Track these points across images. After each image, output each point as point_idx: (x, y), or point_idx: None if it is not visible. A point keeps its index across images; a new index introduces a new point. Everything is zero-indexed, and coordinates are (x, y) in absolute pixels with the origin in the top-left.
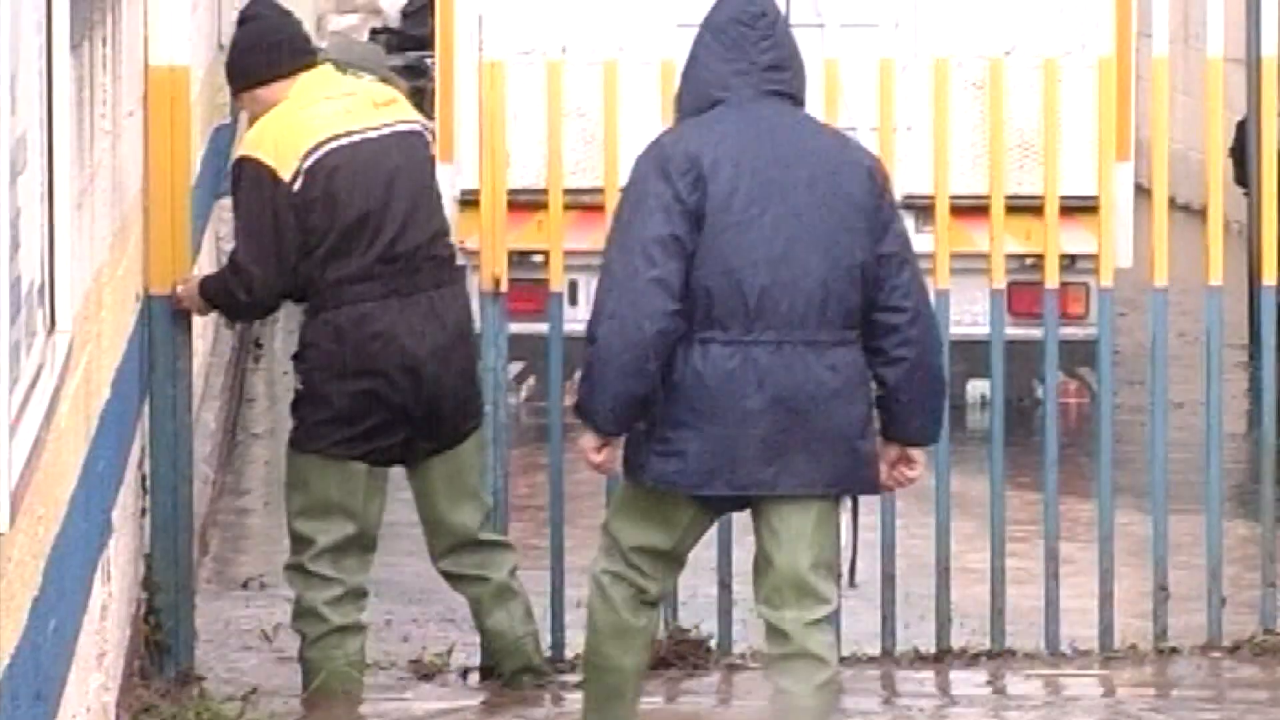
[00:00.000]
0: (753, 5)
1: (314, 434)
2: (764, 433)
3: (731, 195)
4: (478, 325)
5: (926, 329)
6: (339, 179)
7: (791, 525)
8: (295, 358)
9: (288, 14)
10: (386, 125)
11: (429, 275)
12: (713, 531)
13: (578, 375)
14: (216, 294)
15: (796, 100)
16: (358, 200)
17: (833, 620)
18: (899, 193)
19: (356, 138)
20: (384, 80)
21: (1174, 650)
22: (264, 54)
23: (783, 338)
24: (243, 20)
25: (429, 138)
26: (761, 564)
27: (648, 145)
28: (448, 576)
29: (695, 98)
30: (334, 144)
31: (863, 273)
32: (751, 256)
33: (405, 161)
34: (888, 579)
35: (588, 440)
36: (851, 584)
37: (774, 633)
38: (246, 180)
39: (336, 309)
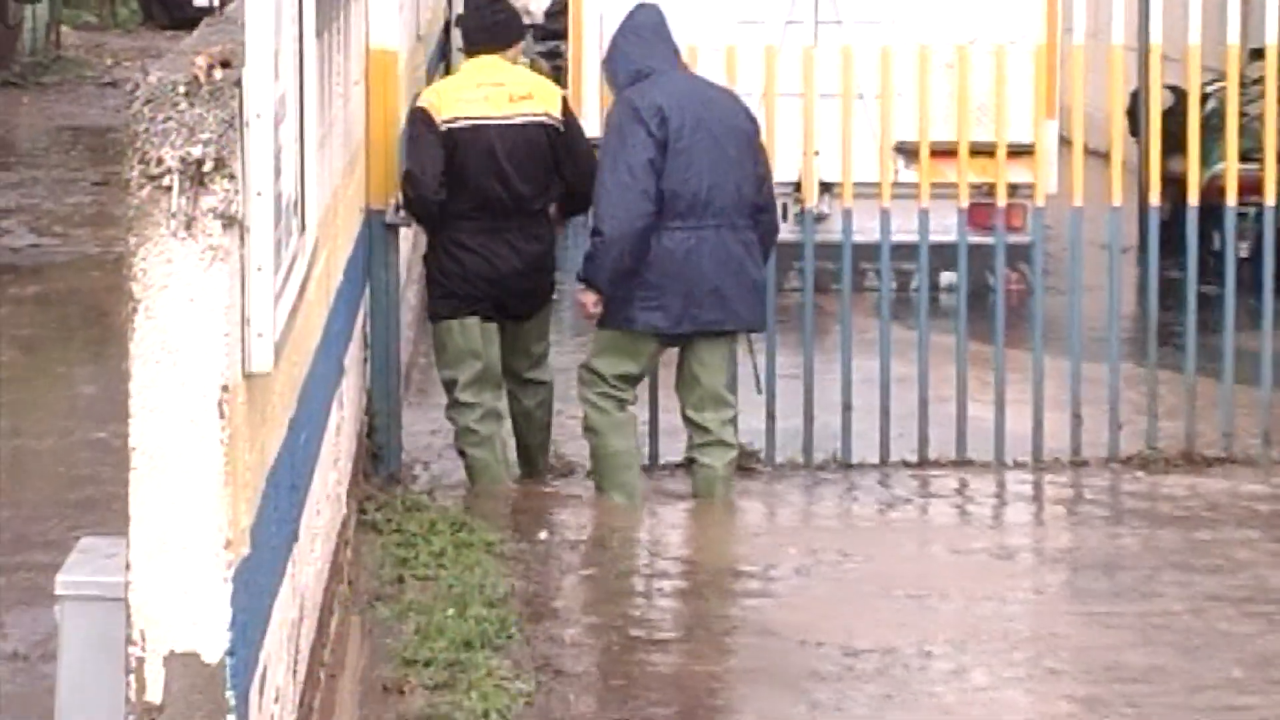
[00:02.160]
0: (657, 16)
1: (438, 306)
2: (711, 288)
3: (680, 129)
4: None
5: (775, 215)
6: (459, 149)
7: (716, 354)
8: (424, 258)
9: (493, 5)
10: (512, 116)
11: (516, 221)
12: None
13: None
14: (401, 193)
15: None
16: (470, 167)
17: (735, 419)
18: (894, 140)
19: (480, 122)
20: (532, 62)
21: (1084, 462)
22: (464, 34)
23: (718, 223)
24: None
25: (551, 124)
26: (690, 381)
27: (617, 101)
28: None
29: (628, 74)
30: (462, 123)
31: (754, 180)
32: (696, 170)
33: (516, 144)
34: (884, 411)
35: (589, 298)
36: (758, 391)
37: (698, 429)
38: (415, 117)
39: (444, 231)
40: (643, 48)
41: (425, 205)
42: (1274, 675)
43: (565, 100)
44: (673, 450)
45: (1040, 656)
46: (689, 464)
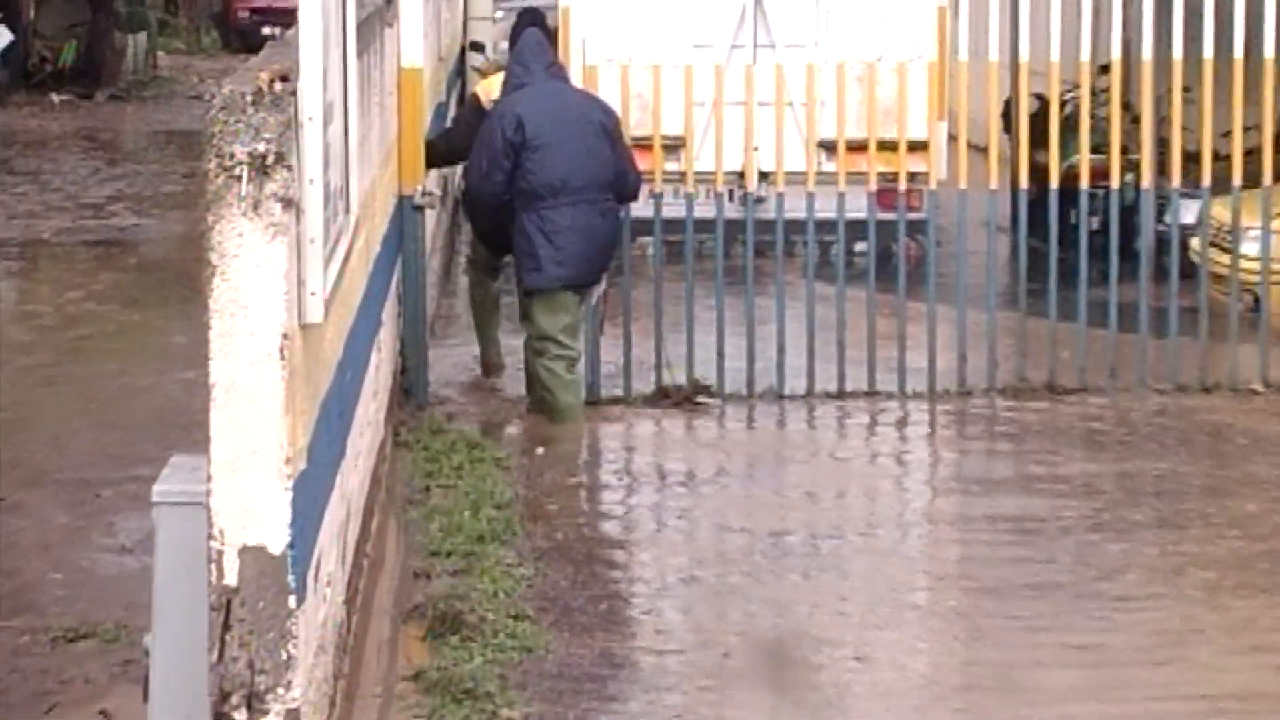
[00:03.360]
0: (534, 39)
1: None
2: (593, 247)
3: (538, 131)
4: None
5: (629, 186)
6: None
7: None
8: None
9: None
10: None
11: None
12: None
13: None
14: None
15: (566, 80)
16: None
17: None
18: (819, 138)
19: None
20: None
21: (969, 392)
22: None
23: (577, 199)
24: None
25: None
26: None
27: (495, 106)
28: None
29: (508, 87)
30: None
31: (608, 162)
32: (554, 160)
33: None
34: (810, 351)
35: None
36: (601, 333)
37: (559, 359)
38: (469, 103)
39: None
40: (520, 67)
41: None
42: (1091, 539)
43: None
44: (638, 385)
45: (931, 533)
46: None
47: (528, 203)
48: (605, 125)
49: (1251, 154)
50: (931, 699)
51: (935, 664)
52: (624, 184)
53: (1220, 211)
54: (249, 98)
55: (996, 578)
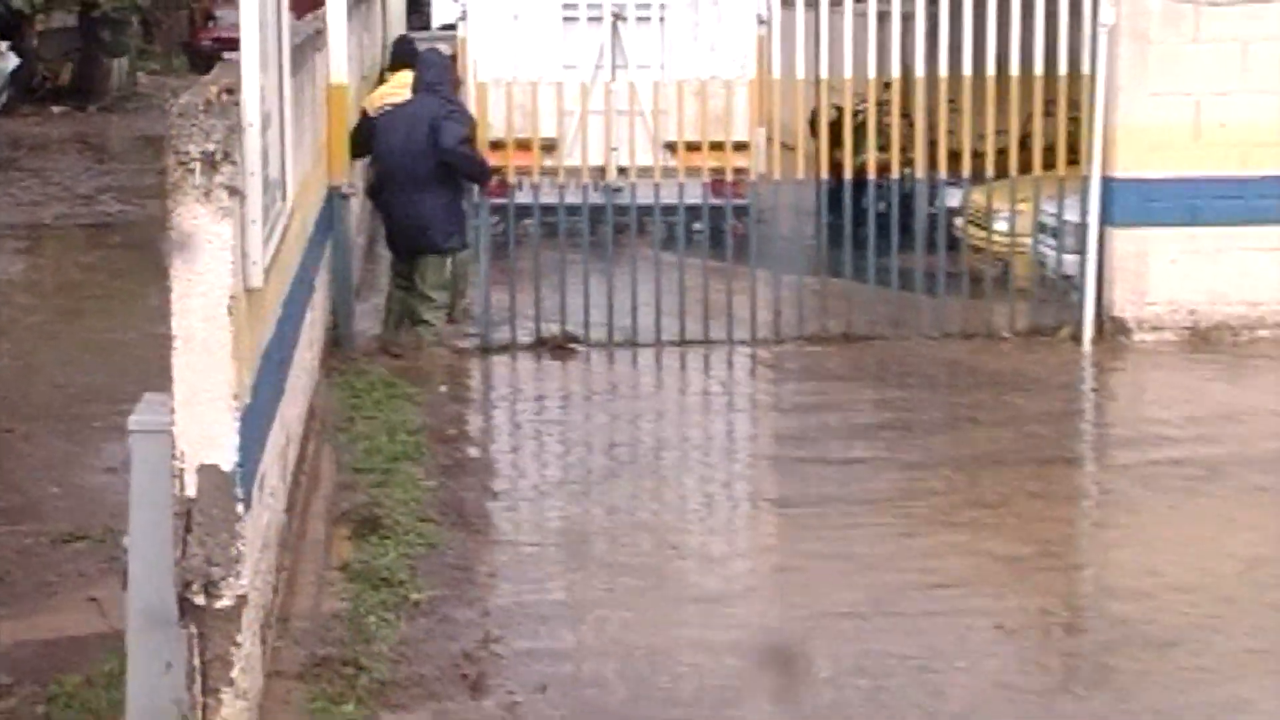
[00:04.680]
0: (433, 66)
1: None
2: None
3: (385, 131)
4: None
5: (465, 170)
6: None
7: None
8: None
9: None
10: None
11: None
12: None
13: None
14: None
15: (437, 91)
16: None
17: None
18: (663, 140)
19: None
20: None
21: (783, 340)
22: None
23: (406, 186)
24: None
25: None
26: (418, 283)
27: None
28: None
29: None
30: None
31: (426, 156)
32: (389, 150)
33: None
34: (657, 308)
35: None
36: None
37: (436, 309)
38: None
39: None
40: (421, 80)
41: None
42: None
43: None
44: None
45: (741, 448)
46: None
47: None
48: (435, 129)
49: (1003, 152)
50: (725, 577)
51: (733, 549)
52: (458, 167)
53: (978, 197)
54: (200, 107)
55: (788, 484)
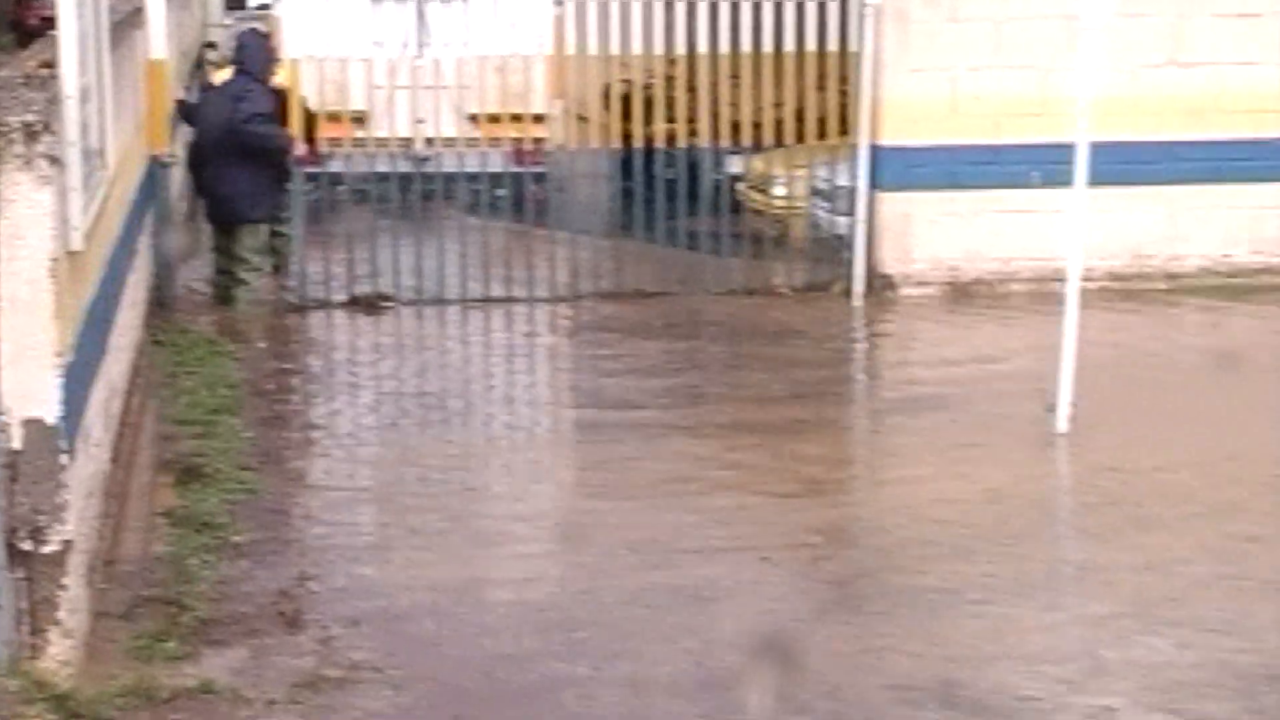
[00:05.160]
0: (245, 47)
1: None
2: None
3: (203, 107)
4: None
5: (260, 144)
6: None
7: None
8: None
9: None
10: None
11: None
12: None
13: None
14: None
15: (247, 71)
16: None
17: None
18: (466, 112)
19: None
20: None
21: (581, 296)
22: None
23: (215, 160)
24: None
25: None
26: (236, 249)
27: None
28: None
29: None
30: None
31: (229, 132)
32: (204, 127)
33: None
34: (463, 269)
35: None
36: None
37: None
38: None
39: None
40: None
41: None
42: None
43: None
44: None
45: (538, 395)
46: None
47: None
48: (236, 106)
49: (780, 123)
50: (521, 516)
51: (529, 490)
52: (253, 144)
53: (758, 164)
54: (20, 80)
55: (580, 430)
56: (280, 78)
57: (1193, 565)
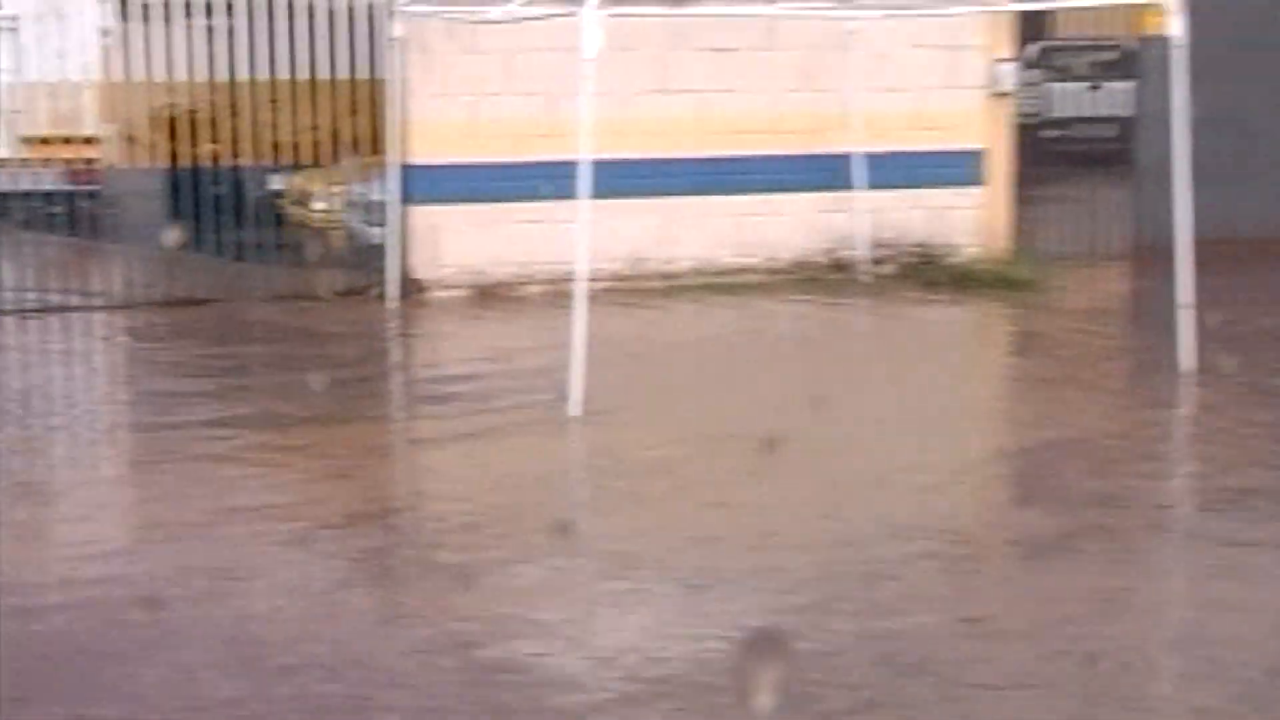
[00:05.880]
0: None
1: None
2: None
3: None
4: None
5: None
6: None
7: None
8: None
9: None
10: None
11: None
12: None
13: None
14: None
15: None
16: None
17: None
18: (20, 135)
19: None
20: None
21: (136, 305)
22: None
23: None
24: None
25: None
26: None
27: None
28: None
29: None
30: None
31: None
32: None
33: None
34: (20, 281)
35: None
36: None
37: None
38: None
39: None
40: None
41: None
42: None
43: None
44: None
45: (108, 392)
46: None
47: None
48: None
49: (317, 144)
50: (77, 504)
51: (79, 478)
52: None
53: (298, 181)
54: None
55: (138, 429)
56: None
57: (670, 530)
